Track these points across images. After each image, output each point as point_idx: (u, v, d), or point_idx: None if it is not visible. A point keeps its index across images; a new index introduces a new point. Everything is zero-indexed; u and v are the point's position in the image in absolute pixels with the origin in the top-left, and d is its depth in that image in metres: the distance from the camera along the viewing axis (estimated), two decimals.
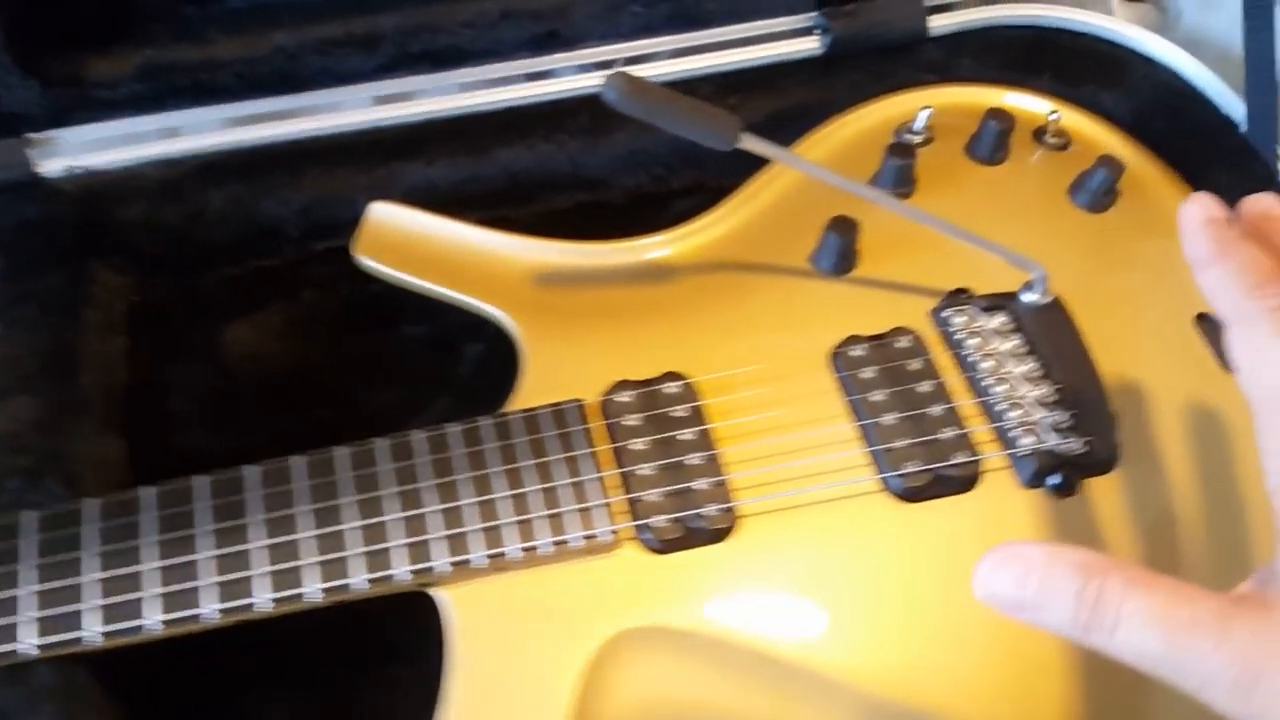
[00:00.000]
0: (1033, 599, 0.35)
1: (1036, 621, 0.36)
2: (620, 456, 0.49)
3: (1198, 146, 0.62)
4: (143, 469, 0.55)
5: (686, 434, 0.50)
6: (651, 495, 0.48)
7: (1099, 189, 0.58)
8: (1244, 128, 0.62)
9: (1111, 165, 0.57)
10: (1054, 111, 0.61)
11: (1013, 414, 0.50)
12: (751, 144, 0.51)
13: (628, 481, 0.49)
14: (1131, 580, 0.34)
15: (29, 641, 0.44)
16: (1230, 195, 0.59)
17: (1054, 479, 0.49)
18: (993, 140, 0.59)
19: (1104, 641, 0.34)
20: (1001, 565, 0.36)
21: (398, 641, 0.50)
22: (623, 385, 0.51)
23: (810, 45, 0.66)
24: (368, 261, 0.56)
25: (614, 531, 0.47)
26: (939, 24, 0.67)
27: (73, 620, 0.44)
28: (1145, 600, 0.33)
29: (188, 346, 0.60)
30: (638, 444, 0.50)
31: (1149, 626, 0.33)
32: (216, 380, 0.59)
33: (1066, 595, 0.34)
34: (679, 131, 0.50)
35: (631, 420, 0.50)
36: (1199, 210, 0.41)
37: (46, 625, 0.44)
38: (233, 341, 0.61)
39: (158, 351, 0.60)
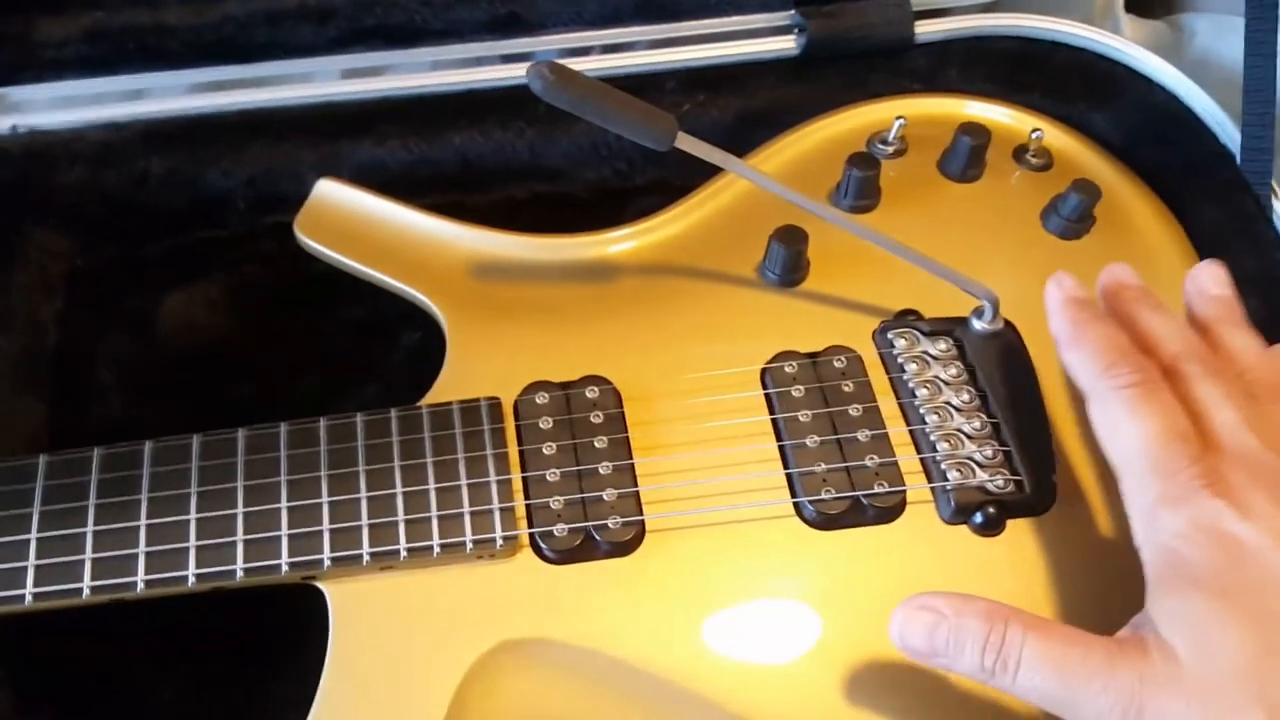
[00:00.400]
0: (943, 648, 0.39)
1: (947, 668, 0.39)
2: (526, 460, 0.47)
3: (1189, 176, 0.59)
4: (62, 435, 0.54)
5: (601, 441, 0.48)
6: (554, 502, 0.46)
7: (1072, 214, 0.55)
8: (1240, 159, 0.59)
9: (1087, 190, 0.54)
10: (1036, 130, 0.58)
11: (943, 445, 0.48)
12: (690, 145, 0.48)
13: (530, 486, 0.47)
14: (1029, 626, 0.38)
15: None
16: (1217, 230, 0.56)
17: (978, 517, 0.46)
18: (964, 156, 0.57)
19: (1007, 684, 0.38)
20: (913, 617, 0.39)
21: (293, 630, 0.49)
22: (539, 386, 0.50)
23: (786, 45, 0.63)
24: (306, 239, 0.55)
25: (507, 538, 0.45)
26: (926, 30, 0.64)
27: None
28: (1042, 645, 0.37)
29: (123, 314, 0.59)
30: (547, 448, 0.48)
31: (1046, 670, 0.37)
32: (147, 350, 0.58)
33: (973, 644, 0.38)
34: (611, 127, 0.47)
35: (544, 423, 0.48)
36: (1058, 292, 0.45)
37: None
38: (168, 312, 0.60)
39: (93, 318, 0.59)
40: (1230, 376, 0.42)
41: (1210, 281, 0.46)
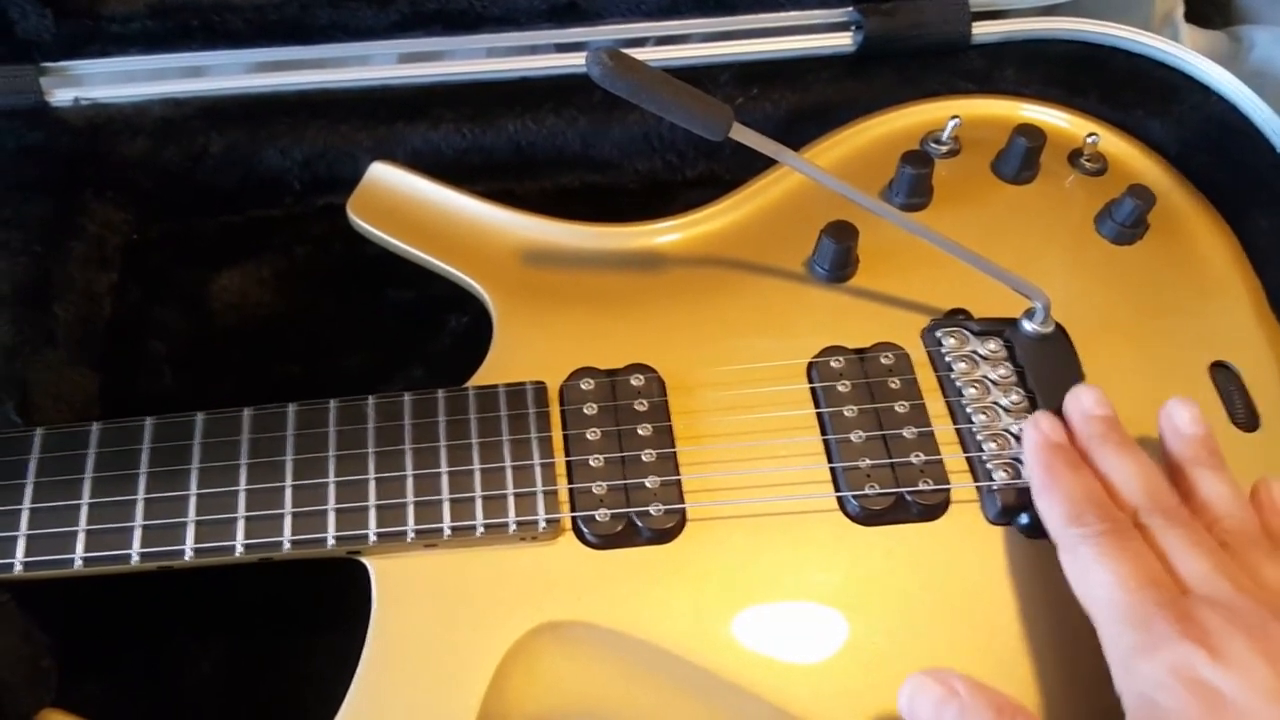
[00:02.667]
0: None
1: None
2: (570, 444, 0.48)
3: (1244, 185, 0.58)
4: (113, 405, 0.55)
5: (645, 429, 0.48)
6: (597, 488, 0.47)
7: (1126, 220, 0.54)
8: None
9: (1142, 196, 0.54)
10: (1092, 134, 0.58)
11: (990, 445, 0.48)
12: (745, 135, 0.48)
13: (573, 471, 0.47)
14: None
15: None
16: (1271, 240, 0.56)
17: (1024, 518, 0.46)
18: (1019, 158, 0.56)
19: None
20: (925, 686, 0.40)
21: (334, 604, 0.49)
22: (585, 372, 0.50)
23: (842, 42, 0.63)
24: (358, 220, 0.56)
25: (550, 520, 0.45)
26: (983, 31, 0.63)
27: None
28: None
29: (176, 289, 0.60)
30: (591, 434, 0.48)
31: None
32: (198, 325, 0.59)
33: None
34: (667, 115, 0.47)
35: (589, 409, 0.49)
36: (1036, 434, 0.46)
37: None
38: (220, 289, 0.61)
39: (147, 291, 0.60)
40: (1198, 527, 0.42)
41: (1186, 421, 0.46)
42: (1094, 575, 0.40)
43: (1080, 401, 0.46)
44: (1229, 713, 0.36)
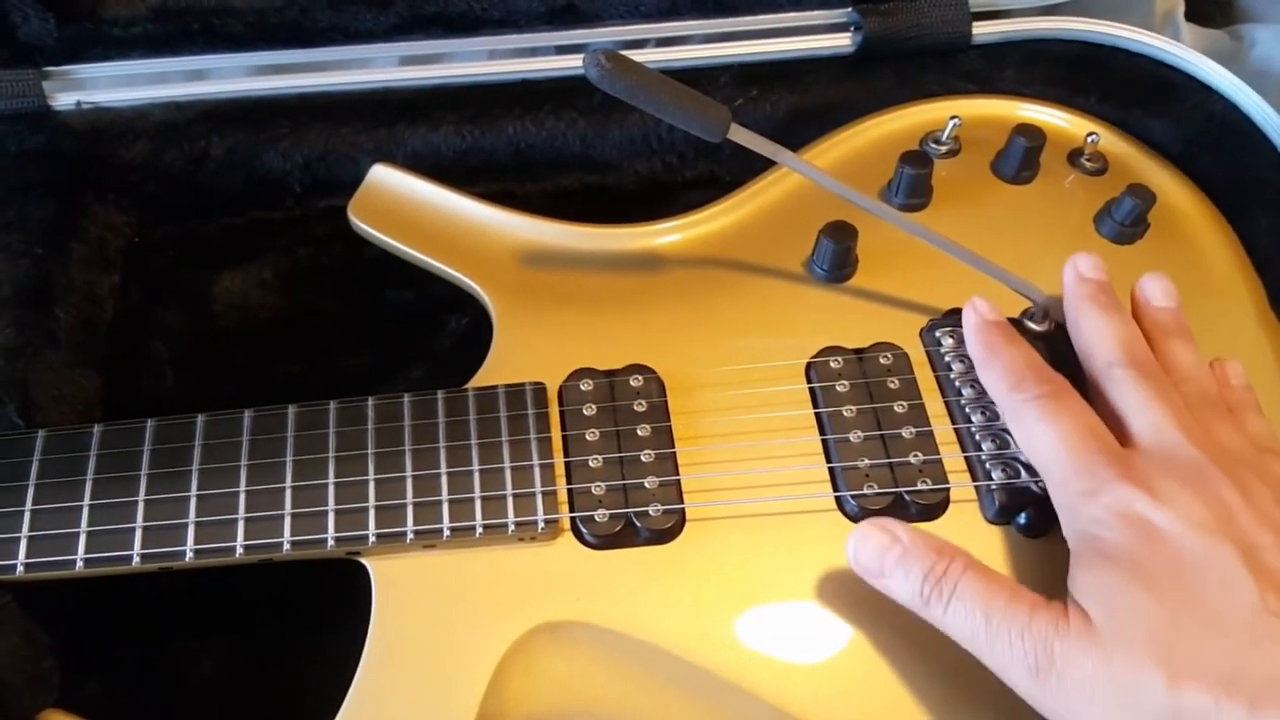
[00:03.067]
0: (890, 569, 0.42)
1: (888, 589, 0.42)
2: (569, 445, 0.48)
3: (1245, 184, 0.58)
4: (115, 407, 0.55)
5: (644, 429, 0.48)
6: (596, 488, 0.47)
7: (1125, 219, 0.54)
8: None
9: (1141, 195, 0.54)
10: (1092, 134, 0.58)
11: (989, 445, 0.48)
12: (743, 136, 0.49)
13: (572, 471, 0.47)
14: (970, 566, 0.41)
15: None
16: (1270, 240, 0.56)
17: (1022, 517, 0.46)
18: (1019, 158, 0.56)
19: (938, 616, 0.41)
20: (870, 534, 0.43)
21: (334, 604, 0.49)
22: (584, 373, 0.50)
23: (841, 42, 0.63)
24: (359, 223, 0.56)
25: (549, 521, 0.46)
26: (983, 31, 0.63)
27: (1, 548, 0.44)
28: (976, 584, 0.40)
29: (178, 291, 0.61)
30: (590, 434, 0.48)
31: (974, 608, 0.40)
32: (200, 326, 0.60)
33: (917, 570, 0.41)
34: (665, 117, 0.48)
35: (588, 409, 0.49)
36: (974, 315, 0.48)
37: None
38: (222, 290, 0.61)
39: (148, 293, 0.60)
40: (1168, 382, 0.44)
41: (1159, 293, 0.49)
42: (1038, 435, 0.43)
43: (1076, 265, 0.48)
44: (1162, 543, 0.39)
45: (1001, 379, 0.46)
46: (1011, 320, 0.51)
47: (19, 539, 0.45)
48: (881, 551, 0.42)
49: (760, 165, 0.57)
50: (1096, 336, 0.46)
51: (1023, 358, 0.46)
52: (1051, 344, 0.50)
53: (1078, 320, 0.47)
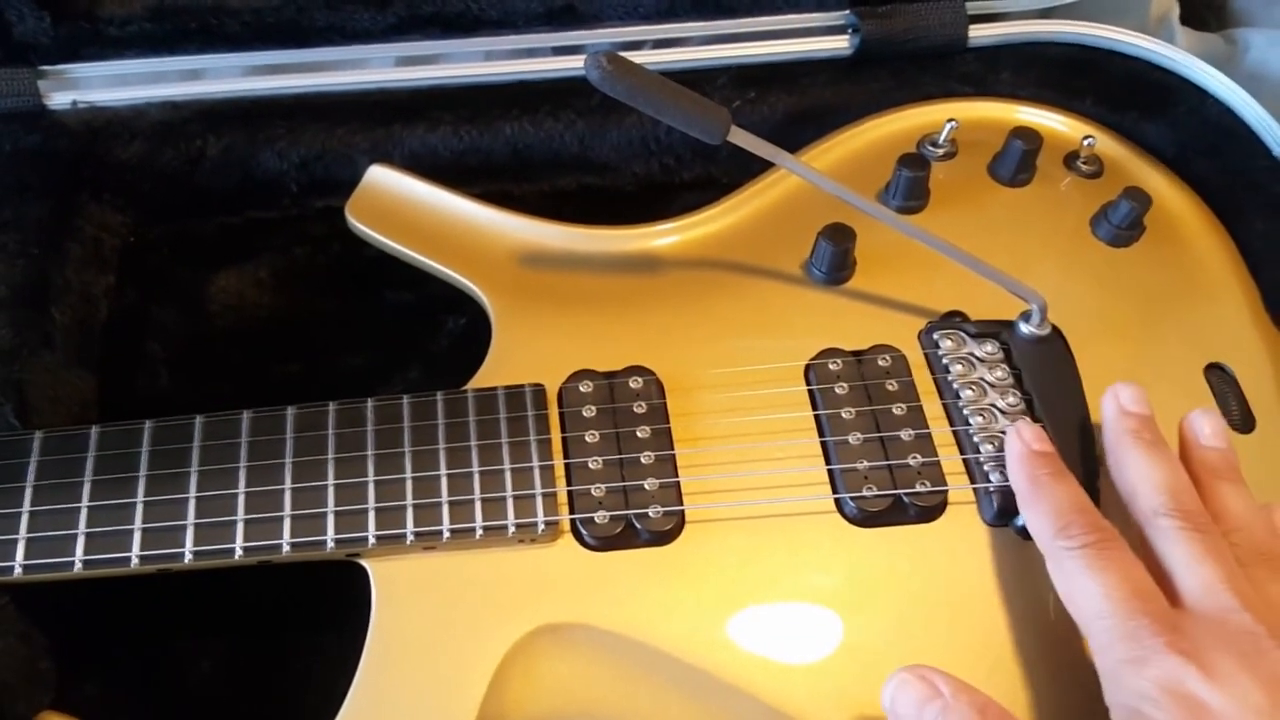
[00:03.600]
0: None
1: None
2: (569, 447, 0.48)
3: (1239, 187, 0.58)
4: (110, 407, 0.55)
5: (643, 431, 0.48)
6: (596, 490, 0.47)
7: (1122, 222, 0.55)
8: None
9: (1138, 198, 0.54)
10: (1088, 136, 0.58)
11: (987, 447, 0.48)
12: (742, 138, 0.49)
13: (573, 473, 0.47)
14: None
15: None
16: (1264, 244, 0.56)
17: (1019, 519, 0.46)
18: (1016, 161, 0.56)
19: None
20: (909, 683, 0.40)
21: (333, 605, 0.49)
22: (584, 374, 0.50)
23: (839, 45, 0.63)
24: (356, 223, 0.56)
25: (549, 523, 0.46)
26: (980, 34, 0.64)
27: None
28: None
29: (174, 291, 0.60)
30: (589, 436, 0.48)
31: None
32: (196, 326, 0.60)
33: None
34: (665, 118, 0.48)
35: (587, 411, 0.49)
36: (1018, 444, 0.45)
37: None
38: (218, 290, 0.61)
39: (144, 293, 0.60)
40: (1218, 534, 0.41)
41: (1209, 433, 0.46)
42: (1080, 587, 0.40)
43: (1118, 397, 0.46)
44: None
45: (1046, 521, 0.43)
46: (1007, 323, 0.51)
47: (17, 540, 0.44)
48: (920, 704, 0.39)
49: (758, 167, 0.58)
50: (1141, 480, 0.43)
51: (1070, 499, 0.43)
52: (1049, 348, 0.51)
53: (1120, 460, 0.44)
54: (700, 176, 0.64)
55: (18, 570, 0.44)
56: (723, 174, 0.64)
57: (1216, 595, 0.39)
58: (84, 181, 0.58)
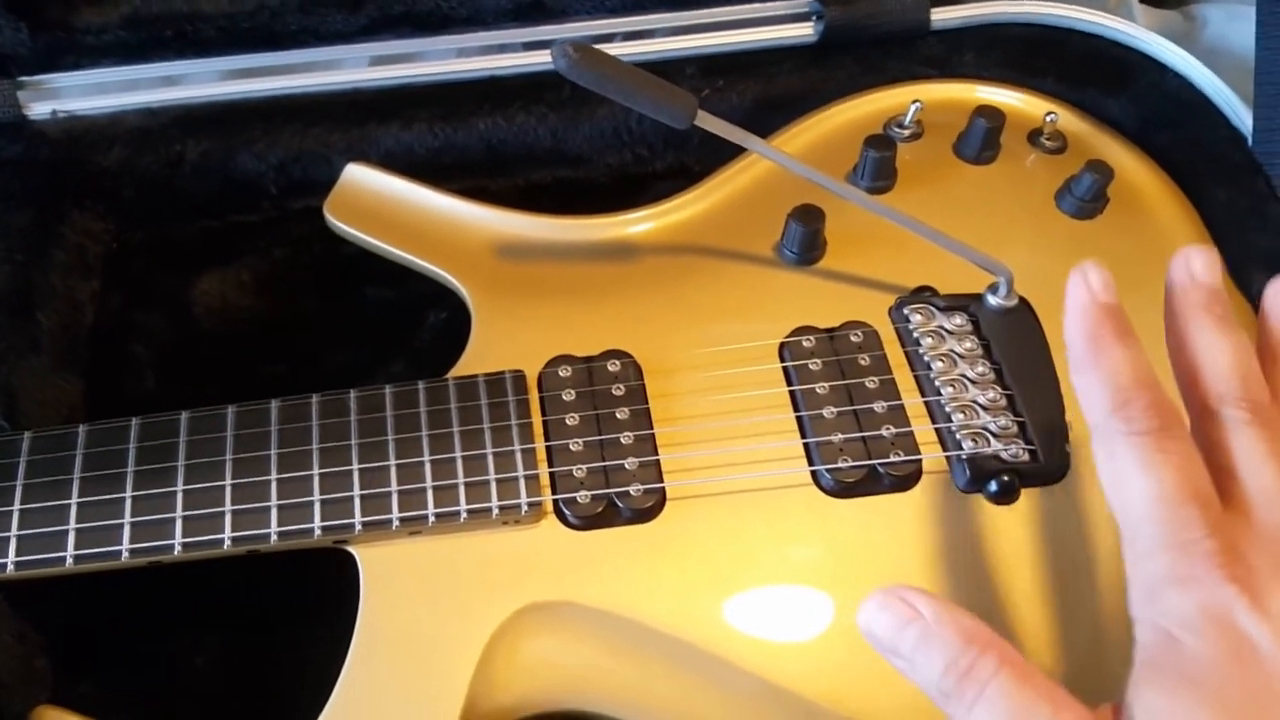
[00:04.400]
0: (906, 649, 0.35)
1: (902, 670, 0.35)
2: (550, 430, 0.49)
3: (1201, 159, 0.59)
4: (98, 411, 0.56)
5: (622, 412, 0.49)
6: (577, 471, 0.48)
7: (1085, 194, 0.56)
8: (1251, 141, 0.60)
9: (1100, 170, 0.55)
10: (1050, 113, 0.59)
11: (959, 416, 0.49)
12: (710, 123, 0.50)
13: (554, 455, 0.48)
14: (1005, 662, 0.33)
15: None
16: (1229, 210, 0.57)
17: (992, 485, 0.47)
18: (980, 139, 0.58)
19: (959, 714, 0.33)
20: (886, 605, 0.35)
21: (327, 593, 0.50)
22: (563, 359, 0.51)
23: (804, 32, 0.64)
24: (335, 222, 0.57)
25: (532, 504, 0.46)
26: (942, 17, 0.65)
27: None
28: (1012, 686, 0.33)
29: (157, 295, 0.61)
30: (570, 419, 0.49)
31: (1005, 714, 0.33)
32: (180, 330, 0.60)
33: (939, 657, 0.34)
34: (634, 105, 0.48)
35: (567, 395, 0.50)
36: (1084, 291, 0.38)
37: None
38: (201, 293, 0.61)
39: (128, 297, 0.61)
40: None
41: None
42: (1130, 479, 0.34)
43: (1190, 263, 0.39)
44: (1256, 670, 0.31)
45: (1102, 392, 0.36)
46: (975, 296, 0.52)
47: (9, 538, 0.45)
48: (899, 626, 0.35)
49: (728, 155, 0.59)
50: (1209, 360, 0.37)
51: (1134, 370, 0.36)
52: (1018, 319, 0.52)
53: (1186, 333, 0.38)
54: (672, 166, 0.65)
55: (10, 567, 0.45)
56: (695, 163, 0.65)
57: (1277, 509, 0.34)
58: (66, 189, 0.59)
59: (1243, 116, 0.60)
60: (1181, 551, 0.33)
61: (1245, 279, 0.55)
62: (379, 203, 0.57)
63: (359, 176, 0.58)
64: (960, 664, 0.33)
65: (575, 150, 0.64)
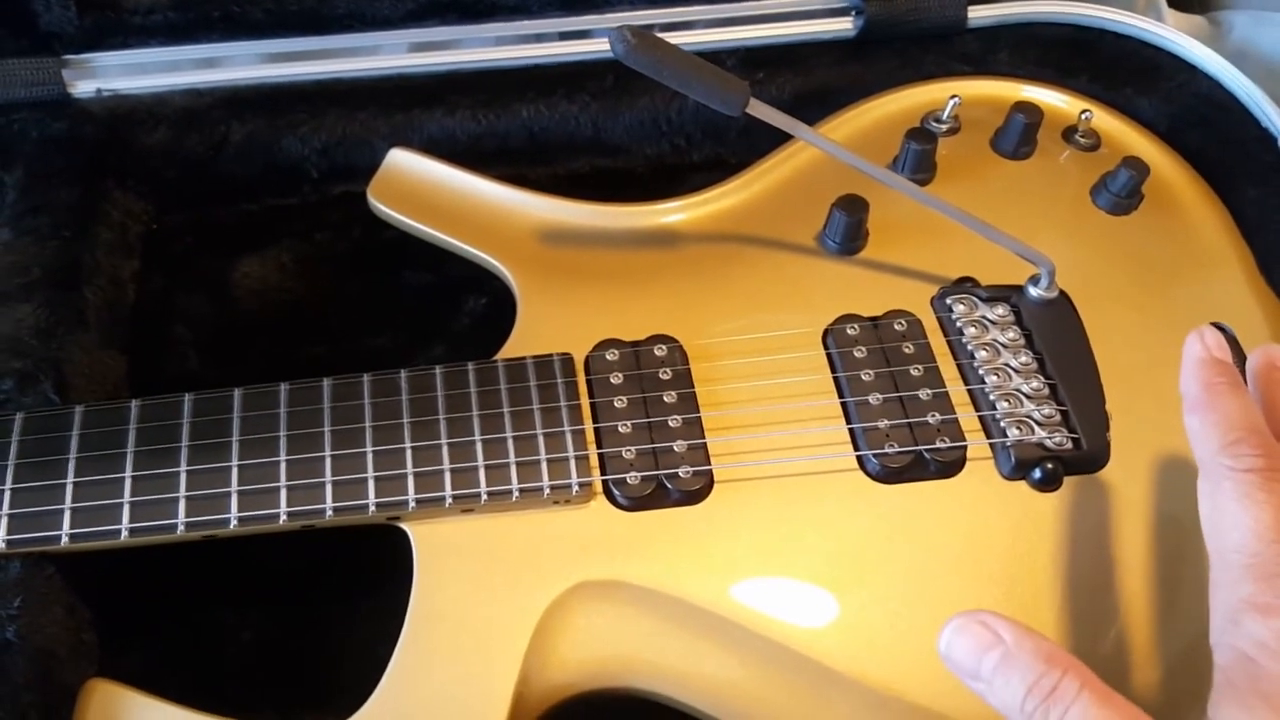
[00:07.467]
0: (986, 674, 0.36)
1: (981, 694, 0.36)
2: (598, 412, 0.49)
3: (1231, 158, 0.61)
4: (141, 389, 0.56)
5: (670, 396, 0.50)
6: (626, 452, 0.48)
7: (1121, 191, 0.56)
8: None
9: (1136, 167, 0.56)
10: (1085, 111, 0.60)
11: (1003, 404, 0.50)
12: (760, 110, 0.50)
13: (603, 437, 0.48)
14: (1087, 685, 0.34)
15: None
16: (1257, 210, 0.58)
17: (1036, 472, 0.48)
18: (1018, 134, 0.58)
19: None
20: (968, 629, 0.36)
21: (376, 569, 0.50)
22: (610, 343, 0.51)
23: (843, 26, 0.65)
24: (379, 205, 0.57)
25: (583, 484, 0.47)
26: (978, 15, 0.66)
27: (43, 520, 0.45)
28: (1094, 709, 0.34)
29: (198, 276, 0.61)
30: (618, 401, 0.49)
31: None
32: (221, 310, 0.60)
33: (1019, 681, 0.35)
34: (687, 91, 0.49)
35: (615, 378, 0.50)
36: (1199, 348, 0.41)
37: (17, 523, 0.45)
38: (242, 275, 0.62)
39: (169, 278, 0.61)
40: None
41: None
42: (1231, 513, 0.37)
43: (1268, 354, 0.42)
44: None
45: (1215, 432, 0.39)
46: (1017, 287, 0.53)
47: (63, 510, 0.45)
48: (979, 651, 0.36)
49: (765, 148, 0.59)
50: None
51: (1245, 415, 0.39)
52: (1057, 310, 0.52)
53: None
54: (709, 157, 0.66)
55: (64, 539, 0.45)
56: (731, 154, 0.65)
57: None
58: (109, 168, 0.59)
59: (1272, 117, 0.61)
60: (1268, 584, 0.35)
61: (1275, 277, 0.56)
62: (422, 187, 0.58)
63: (402, 161, 0.58)
64: (1043, 686, 0.34)
65: (615, 140, 0.64)
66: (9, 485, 0.46)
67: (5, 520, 0.45)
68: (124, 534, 0.45)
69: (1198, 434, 0.40)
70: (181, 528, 0.45)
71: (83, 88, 0.61)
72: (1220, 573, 0.37)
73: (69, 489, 0.46)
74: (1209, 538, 0.38)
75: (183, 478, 0.46)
